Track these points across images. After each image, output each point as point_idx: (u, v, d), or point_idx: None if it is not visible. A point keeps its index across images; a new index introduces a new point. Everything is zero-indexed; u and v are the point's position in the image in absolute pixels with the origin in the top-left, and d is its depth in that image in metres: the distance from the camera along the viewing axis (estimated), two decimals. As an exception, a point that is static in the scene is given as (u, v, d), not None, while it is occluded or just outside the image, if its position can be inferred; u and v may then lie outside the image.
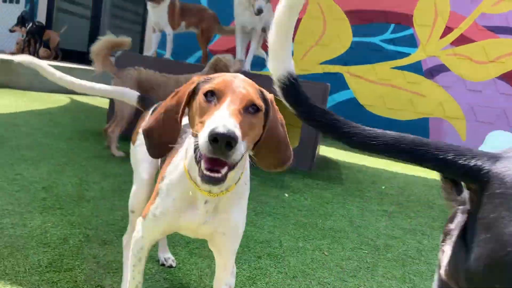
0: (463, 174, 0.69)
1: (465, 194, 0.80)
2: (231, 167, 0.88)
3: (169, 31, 4.09)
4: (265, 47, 4.24)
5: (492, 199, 0.63)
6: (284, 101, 0.88)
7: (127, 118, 3.27)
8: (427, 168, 0.75)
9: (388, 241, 2.29)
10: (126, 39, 3.29)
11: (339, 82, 6.75)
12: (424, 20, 6.34)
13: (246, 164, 1.08)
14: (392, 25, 6.53)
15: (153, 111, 1.42)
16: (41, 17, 8.65)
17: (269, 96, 1.01)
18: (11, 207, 1.96)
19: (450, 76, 6.22)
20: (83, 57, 8.52)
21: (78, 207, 2.09)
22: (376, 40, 6.67)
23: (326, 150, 4.94)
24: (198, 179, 0.90)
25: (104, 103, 5.82)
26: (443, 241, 0.75)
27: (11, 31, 7.73)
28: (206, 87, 0.92)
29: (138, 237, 1.11)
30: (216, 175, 0.86)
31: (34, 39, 7.86)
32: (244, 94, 0.91)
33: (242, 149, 0.84)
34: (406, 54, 6.45)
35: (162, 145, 1.00)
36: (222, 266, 1.12)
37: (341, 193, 3.14)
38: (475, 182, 0.68)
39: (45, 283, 1.39)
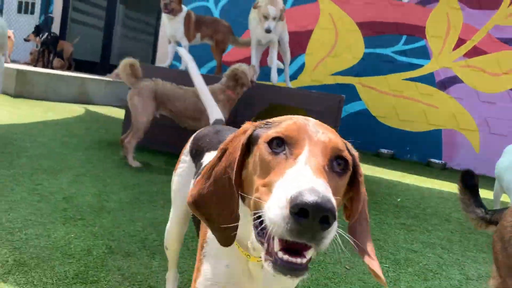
0: None
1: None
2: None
3: (184, 43, 4.12)
4: (279, 57, 4.27)
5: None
6: None
7: (144, 129, 3.29)
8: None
9: (408, 254, 2.27)
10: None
11: (351, 93, 6.74)
12: (437, 32, 6.33)
13: None
14: (404, 37, 6.54)
15: (195, 144, 1.21)
16: (55, 27, 8.78)
17: (355, 151, 0.77)
18: (34, 218, 1.97)
19: (463, 87, 6.19)
20: (95, 67, 8.64)
21: (99, 218, 2.10)
22: (388, 51, 6.68)
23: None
24: (264, 262, 0.64)
25: (119, 114, 5.86)
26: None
27: (26, 40, 7.85)
28: (270, 133, 0.70)
29: None
30: (297, 260, 0.61)
31: (49, 49, 7.96)
32: (326, 142, 0.69)
33: (336, 227, 0.60)
34: (419, 66, 6.44)
35: (221, 224, 0.74)
36: None
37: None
38: None
39: (73, 295, 1.40)
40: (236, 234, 0.73)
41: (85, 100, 6.38)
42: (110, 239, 1.88)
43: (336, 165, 0.69)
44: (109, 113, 5.84)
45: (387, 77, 6.64)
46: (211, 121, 1.48)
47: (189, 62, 1.61)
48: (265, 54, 4.26)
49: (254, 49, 3.93)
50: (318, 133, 0.70)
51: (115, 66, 8.32)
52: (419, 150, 6.34)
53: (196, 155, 1.17)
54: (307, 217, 0.56)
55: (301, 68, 7.08)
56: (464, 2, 6.13)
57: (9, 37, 7.44)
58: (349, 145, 0.76)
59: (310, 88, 6.80)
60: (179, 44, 4.22)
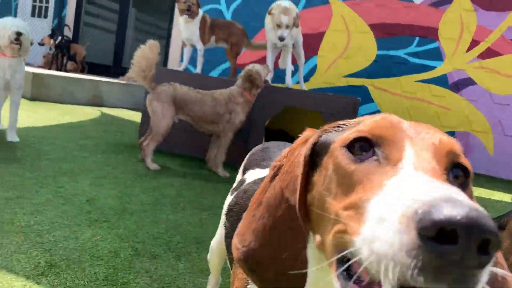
0: None
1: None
2: None
3: (200, 46, 4.16)
4: (292, 59, 4.28)
5: None
6: None
7: (164, 134, 3.31)
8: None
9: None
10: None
11: (363, 95, 6.74)
12: (450, 33, 6.31)
13: None
14: (417, 39, 6.52)
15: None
16: (68, 31, 8.87)
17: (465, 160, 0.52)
18: (60, 220, 2.00)
19: (477, 89, 6.16)
20: (108, 70, 8.72)
21: (123, 220, 2.13)
22: (400, 53, 6.66)
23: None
24: None
25: (133, 116, 5.92)
26: None
27: (41, 44, 7.94)
28: (350, 134, 0.52)
29: None
30: None
31: (62, 53, 8.05)
32: (436, 144, 0.50)
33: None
34: (432, 68, 6.42)
35: (280, 275, 0.55)
36: None
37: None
38: None
39: (105, 296, 1.42)
40: None
41: (99, 103, 6.44)
42: (135, 241, 1.91)
43: (453, 177, 0.50)
44: (123, 115, 5.89)
45: (400, 79, 6.63)
46: None
47: None
48: (277, 55, 4.28)
49: (270, 51, 3.94)
50: (421, 133, 0.51)
51: (128, 69, 8.39)
52: (433, 152, 6.30)
53: (244, 174, 1.09)
54: (455, 242, 0.35)
55: (313, 70, 7.09)
56: (478, 4, 6.10)
57: None
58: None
59: (322, 90, 6.81)
60: (194, 47, 4.25)
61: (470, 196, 0.53)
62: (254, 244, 0.58)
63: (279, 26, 3.56)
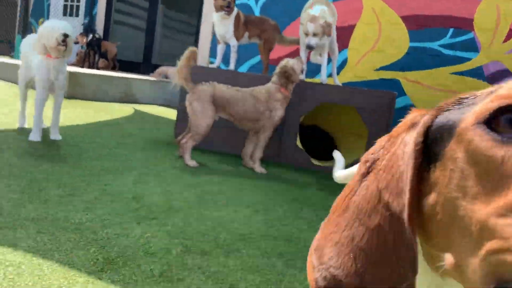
0: None
1: None
2: None
3: (234, 43, 4.17)
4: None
5: None
6: None
7: (204, 134, 3.31)
8: None
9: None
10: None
11: (395, 89, 6.62)
12: (486, 24, 6.14)
13: None
14: (451, 30, 6.37)
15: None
16: (99, 29, 9.04)
17: None
18: (110, 217, 2.06)
19: (514, 81, 5.98)
20: (139, 67, 8.86)
21: (170, 217, 2.17)
22: (434, 45, 6.52)
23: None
24: None
25: (166, 113, 6.00)
26: None
27: (75, 42, 8.12)
28: (488, 106, 0.38)
29: None
30: None
31: (94, 50, 8.22)
32: None
33: None
34: (467, 59, 6.26)
35: None
36: None
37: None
38: None
39: (163, 292, 1.46)
40: None
41: (132, 100, 6.55)
42: (184, 238, 1.94)
43: None
44: (156, 112, 5.98)
45: (434, 71, 6.49)
46: None
47: None
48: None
49: (303, 46, 3.93)
50: None
51: (157, 66, 8.49)
52: (468, 146, 6.16)
53: None
54: None
55: (343, 63, 7.02)
56: (516, -8, 5.91)
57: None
58: None
59: (352, 84, 6.74)
60: (228, 44, 4.27)
61: None
62: (336, 262, 0.46)
63: (306, 34, 3.56)
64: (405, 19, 6.63)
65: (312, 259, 0.51)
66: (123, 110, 5.64)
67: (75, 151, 3.23)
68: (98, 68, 8.07)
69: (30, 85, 3.70)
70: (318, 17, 3.54)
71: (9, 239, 1.67)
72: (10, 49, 9.97)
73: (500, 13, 6.04)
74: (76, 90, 5.93)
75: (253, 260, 1.80)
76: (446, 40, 6.37)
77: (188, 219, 2.18)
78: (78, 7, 9.44)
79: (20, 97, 3.71)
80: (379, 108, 3.71)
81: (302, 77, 3.94)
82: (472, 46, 6.18)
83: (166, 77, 8.07)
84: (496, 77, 6.08)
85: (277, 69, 3.48)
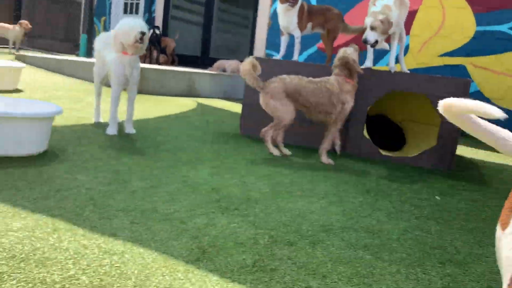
0: None
1: None
2: None
3: (297, 34, 4.15)
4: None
5: None
6: None
7: (287, 126, 3.33)
8: None
9: None
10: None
11: (461, 75, 6.33)
12: None
13: None
14: (524, 10, 5.96)
15: None
16: (158, 25, 9.29)
17: None
18: (195, 208, 2.13)
19: None
20: (196, 61, 9.03)
21: (251, 208, 2.21)
22: (503, 28, 6.15)
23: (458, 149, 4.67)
24: None
25: (227, 106, 6.09)
26: None
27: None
28: None
29: None
30: None
31: (154, 46, 8.47)
32: None
33: None
34: (542, 42, 5.85)
35: None
36: None
37: (493, 196, 2.96)
38: None
39: (260, 282, 1.49)
40: None
41: (193, 94, 6.70)
42: (268, 228, 1.97)
43: None
44: (218, 105, 6.08)
45: (503, 56, 6.13)
46: None
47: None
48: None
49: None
50: None
51: (214, 60, 8.63)
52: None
53: None
54: None
55: (405, 50, 6.78)
56: None
57: None
58: None
59: (415, 71, 6.50)
60: (291, 36, 4.25)
61: None
62: None
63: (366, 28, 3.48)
64: (471, 1, 6.29)
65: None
66: (188, 103, 5.79)
67: (150, 144, 3.35)
68: (159, 64, 8.31)
69: (103, 81, 3.87)
70: (377, 12, 3.45)
71: (108, 229, 1.77)
72: (75, 48, 10.50)
73: None
74: (142, 85, 6.14)
75: (340, 252, 1.80)
76: (518, 21, 5.98)
77: (268, 210, 2.21)
78: (137, 4, 9.75)
79: (95, 93, 3.89)
80: (452, 95, 3.54)
81: (369, 64, 3.86)
82: (548, 27, 5.77)
83: (224, 70, 8.21)
84: None
85: (337, 61, 3.42)
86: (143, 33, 3.20)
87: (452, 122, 0.91)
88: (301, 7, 4.06)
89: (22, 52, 8.82)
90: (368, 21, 3.44)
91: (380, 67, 6.79)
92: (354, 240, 1.94)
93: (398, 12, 3.63)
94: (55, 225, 1.74)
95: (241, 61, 8.43)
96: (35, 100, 3.03)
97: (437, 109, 1.03)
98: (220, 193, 2.39)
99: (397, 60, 4.32)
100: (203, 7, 9.17)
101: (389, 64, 3.84)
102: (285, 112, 3.28)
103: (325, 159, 3.42)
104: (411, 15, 6.73)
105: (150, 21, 9.39)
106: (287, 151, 3.48)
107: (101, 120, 3.92)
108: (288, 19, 4.11)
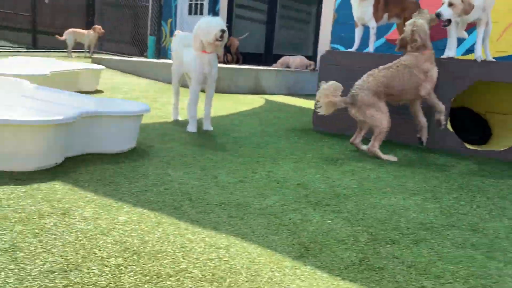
0: None
1: None
2: None
3: (373, 24, 4.01)
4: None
5: None
6: None
7: (387, 131, 3.16)
8: None
9: None
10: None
11: (549, 63, 5.84)
12: None
13: None
14: None
15: None
16: (222, 24, 9.42)
17: None
18: (286, 203, 2.10)
19: None
20: (260, 58, 9.06)
21: (342, 204, 2.15)
22: None
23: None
24: None
25: (294, 101, 6.04)
26: None
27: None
28: None
29: None
30: None
31: (220, 45, 8.58)
32: None
33: None
34: None
35: None
36: None
37: None
38: None
39: (370, 281, 1.43)
40: None
41: (259, 90, 6.72)
42: (365, 225, 1.90)
43: None
44: (284, 101, 6.05)
45: None
46: None
47: None
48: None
49: (453, 29, 3.62)
50: None
51: (278, 56, 8.59)
52: None
53: None
54: None
55: (483, 39, 6.37)
56: None
57: None
58: None
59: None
60: (366, 27, 4.12)
61: None
62: None
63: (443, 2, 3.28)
64: (560, -18, 5.78)
65: None
66: (255, 100, 5.81)
67: (229, 140, 3.38)
68: (225, 62, 8.42)
69: (181, 81, 3.96)
70: None
71: (208, 223, 1.79)
72: (143, 50, 10.91)
73: None
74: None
75: (447, 251, 1.70)
76: None
77: (360, 206, 2.14)
78: (202, 5, 9.94)
79: (173, 92, 3.99)
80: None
81: (451, 54, 3.64)
82: None
83: (288, 66, 8.15)
84: None
85: (407, 34, 3.25)
86: (223, 31, 3.23)
87: None
88: (377, -4, 3.92)
89: (96, 55, 9.30)
90: None
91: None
92: (460, 239, 1.82)
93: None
94: (158, 218, 1.79)
95: (306, 56, 8.34)
96: (122, 99, 3.15)
97: None
98: (307, 189, 2.35)
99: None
100: (266, 4, 9.17)
101: (475, 53, 3.60)
102: (383, 118, 3.13)
103: (383, 155, 3.22)
104: (490, 1, 6.31)
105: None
106: (365, 147, 3.36)
107: (179, 118, 4.02)
108: (363, 9, 3.99)
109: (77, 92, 4.89)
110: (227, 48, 8.83)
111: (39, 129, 2.18)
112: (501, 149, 3.48)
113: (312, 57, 7.94)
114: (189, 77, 3.88)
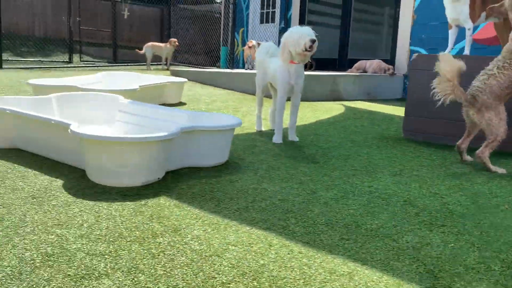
0: None
1: None
2: None
3: (469, 25, 3.73)
4: None
5: None
6: None
7: (500, 140, 2.89)
8: None
9: None
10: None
11: None
12: None
13: None
14: None
15: None
16: (294, 31, 9.36)
17: None
18: (398, 223, 1.95)
19: None
20: (334, 64, 8.87)
21: (459, 224, 1.96)
22: None
23: None
24: None
25: (374, 107, 5.81)
26: None
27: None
28: None
29: None
30: None
31: (292, 52, 8.51)
32: None
33: None
34: None
35: None
36: None
37: None
38: None
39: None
40: None
41: (336, 97, 6.55)
42: (493, 250, 1.71)
43: None
44: (364, 107, 5.83)
45: None
46: None
47: None
48: None
49: None
50: None
51: (354, 61, 8.35)
52: None
53: None
54: None
55: None
56: None
57: (252, 46, 8.22)
58: None
59: None
60: (461, 28, 3.84)
61: None
62: None
63: None
64: None
65: None
66: (335, 107, 5.65)
67: (317, 151, 3.28)
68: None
69: (265, 91, 3.92)
70: None
71: (321, 245, 1.69)
72: (215, 60, 11.13)
73: None
74: (287, 92, 6.18)
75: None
76: None
77: (481, 227, 1.93)
78: (273, 13, 9.95)
79: (256, 102, 3.96)
80: None
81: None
82: None
83: (364, 71, 7.90)
84: None
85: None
86: (313, 41, 3.14)
87: None
88: (474, -4, 3.64)
89: (172, 67, 9.62)
90: None
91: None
92: None
93: None
94: (268, 239, 1.72)
95: (382, 59, 8.02)
96: (213, 113, 3.16)
97: None
98: (416, 206, 2.18)
99: None
100: (339, 9, 8.98)
101: None
102: (501, 125, 2.85)
103: (493, 167, 2.92)
104: None
105: (285, 29, 9.50)
106: (469, 158, 3.10)
107: (263, 129, 3.98)
108: (457, 10, 3.73)
109: (162, 104, 5.06)
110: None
111: (146, 146, 2.21)
112: None
113: (389, 61, 7.63)
114: (273, 86, 3.84)
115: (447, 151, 3.42)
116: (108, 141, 2.18)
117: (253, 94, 6.60)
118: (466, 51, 3.84)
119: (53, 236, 1.65)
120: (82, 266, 1.44)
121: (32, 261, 1.45)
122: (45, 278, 1.35)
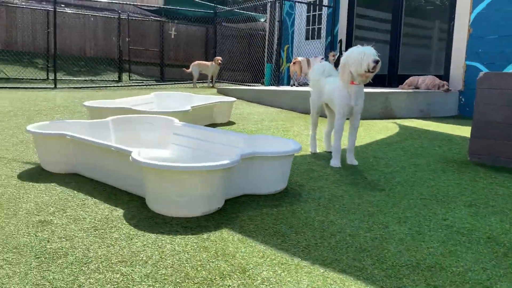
0: None
1: None
2: None
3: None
4: None
5: None
6: None
7: None
8: None
9: None
10: None
11: None
12: None
13: None
14: None
15: None
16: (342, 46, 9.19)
17: None
18: (488, 267, 1.75)
19: None
20: (383, 80, 8.62)
21: (561, 270, 1.73)
22: None
23: None
24: None
25: (430, 126, 5.53)
26: None
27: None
28: None
29: None
30: None
31: (337, 67, 8.36)
32: None
33: None
34: None
35: None
36: None
37: None
38: None
39: None
40: None
41: (389, 115, 6.30)
42: None
43: None
44: (421, 126, 5.56)
45: None
46: None
47: None
48: None
49: None
50: None
51: (405, 77, 8.07)
52: None
53: None
54: None
55: None
56: None
57: (297, 62, 8.12)
58: None
59: None
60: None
61: None
62: None
63: None
64: None
65: None
66: (389, 126, 5.42)
67: (379, 177, 3.09)
68: (345, 86, 8.15)
69: (320, 111, 3.79)
70: None
71: (404, 292, 1.52)
72: (259, 77, 11.11)
73: None
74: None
75: None
76: None
77: None
78: (319, 29, 9.84)
79: (311, 123, 3.83)
80: None
81: None
82: None
83: (416, 87, 7.60)
84: None
85: None
86: (376, 61, 2.99)
87: None
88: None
89: (218, 85, 9.67)
90: None
91: None
92: None
93: None
94: (346, 284, 1.57)
95: (436, 75, 7.71)
96: (269, 136, 3.06)
97: None
98: (503, 244, 1.96)
99: None
100: (388, 23, 8.74)
101: None
102: None
103: None
104: None
105: (331, 45, 9.35)
106: None
107: (318, 151, 3.83)
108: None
109: (212, 124, 5.02)
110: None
111: (208, 175, 2.13)
112: None
113: (443, 76, 7.30)
114: (329, 107, 3.70)
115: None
116: (170, 170, 2.11)
117: (301, 112, 6.47)
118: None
119: (118, 275, 1.57)
120: (151, 313, 1.34)
121: (99, 305, 1.37)
122: (113, 326, 1.26)
